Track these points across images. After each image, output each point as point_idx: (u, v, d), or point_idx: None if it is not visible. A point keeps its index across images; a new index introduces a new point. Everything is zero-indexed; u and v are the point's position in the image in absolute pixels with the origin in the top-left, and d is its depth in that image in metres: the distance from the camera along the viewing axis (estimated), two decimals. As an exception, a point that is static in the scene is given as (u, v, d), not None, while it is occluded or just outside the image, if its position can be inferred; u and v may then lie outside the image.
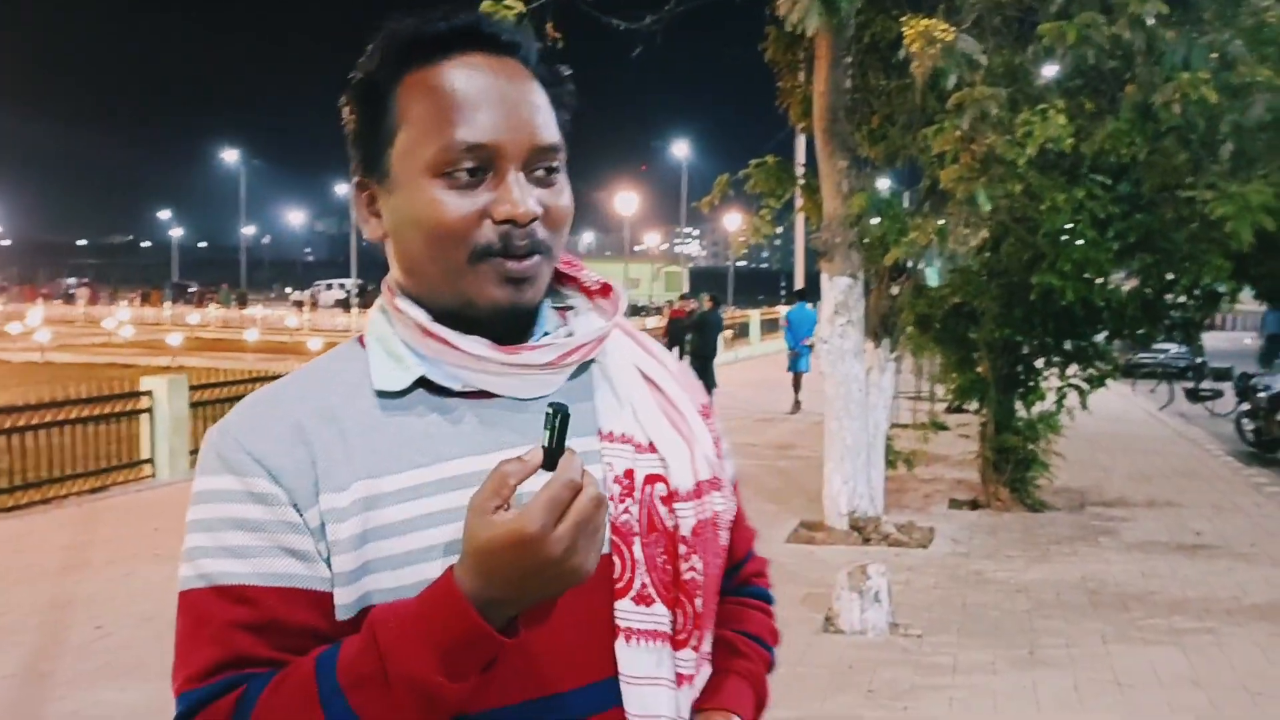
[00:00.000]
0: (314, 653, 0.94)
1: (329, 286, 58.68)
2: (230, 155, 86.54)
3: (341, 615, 0.98)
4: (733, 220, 32.99)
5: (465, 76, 1.02)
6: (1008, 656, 5.35)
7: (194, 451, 10.17)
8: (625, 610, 1.04)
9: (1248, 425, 12.23)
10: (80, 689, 4.81)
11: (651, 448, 1.09)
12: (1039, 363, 9.03)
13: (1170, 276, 8.21)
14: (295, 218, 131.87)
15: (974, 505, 8.82)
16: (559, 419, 0.92)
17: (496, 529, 0.89)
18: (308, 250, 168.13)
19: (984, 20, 7.26)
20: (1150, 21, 6.54)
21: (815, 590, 6.20)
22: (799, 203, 9.19)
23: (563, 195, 1.05)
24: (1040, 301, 8.01)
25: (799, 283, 21.78)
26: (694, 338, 15.40)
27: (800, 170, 9.14)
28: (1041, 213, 7.50)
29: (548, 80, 1.07)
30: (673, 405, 1.13)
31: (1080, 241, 7.59)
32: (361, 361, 1.07)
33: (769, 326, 27.59)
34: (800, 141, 14.88)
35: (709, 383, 14.98)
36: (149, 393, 9.94)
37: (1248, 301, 10.14)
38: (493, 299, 1.02)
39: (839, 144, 7.58)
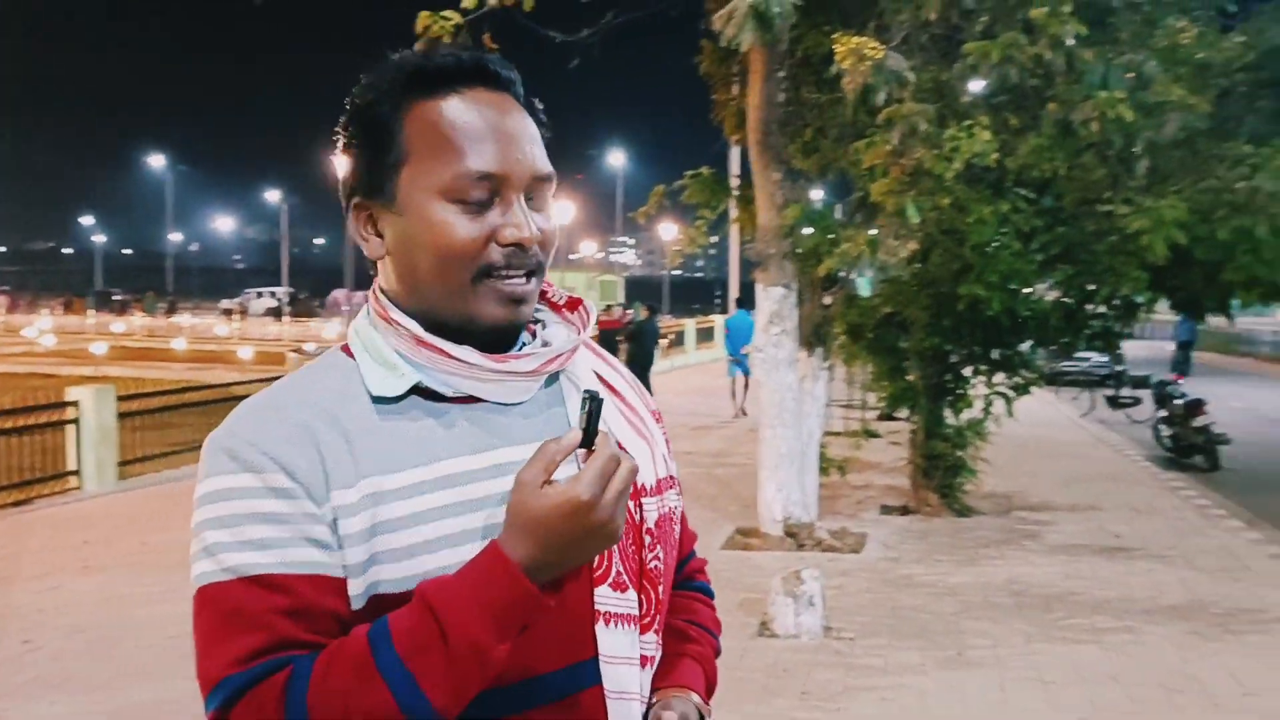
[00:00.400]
0: (360, 629, 1.01)
1: (259, 295, 57.15)
2: (157, 160, 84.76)
3: (354, 605, 1.04)
4: (668, 230, 33.10)
5: (475, 110, 1.10)
6: (937, 657, 5.48)
7: (123, 463, 9.99)
8: (604, 596, 1.13)
9: (1165, 431, 12.53)
10: (9, 703, 4.72)
11: (619, 447, 1.16)
12: (967, 371, 9.21)
13: (1091, 287, 8.42)
14: (224, 224, 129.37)
15: (904, 511, 8.99)
16: (593, 404, 1.04)
17: (550, 498, 1.01)
18: (237, 257, 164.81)
19: (912, 38, 7.46)
20: (1070, 42, 6.78)
21: (751, 595, 6.29)
22: (734, 214, 9.30)
23: (552, 219, 1.15)
24: (968, 311, 8.18)
25: (734, 292, 21.96)
26: (631, 347, 15.47)
27: (735, 182, 9.26)
28: (968, 225, 7.70)
29: (531, 113, 1.16)
30: (631, 409, 1.23)
31: (1006, 253, 7.81)
32: (349, 370, 1.13)
33: (704, 335, 27.76)
34: (735, 153, 15.01)
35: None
36: (75, 403, 9.73)
37: (1166, 312, 10.44)
38: (493, 316, 1.11)
39: (773, 156, 7.71)
